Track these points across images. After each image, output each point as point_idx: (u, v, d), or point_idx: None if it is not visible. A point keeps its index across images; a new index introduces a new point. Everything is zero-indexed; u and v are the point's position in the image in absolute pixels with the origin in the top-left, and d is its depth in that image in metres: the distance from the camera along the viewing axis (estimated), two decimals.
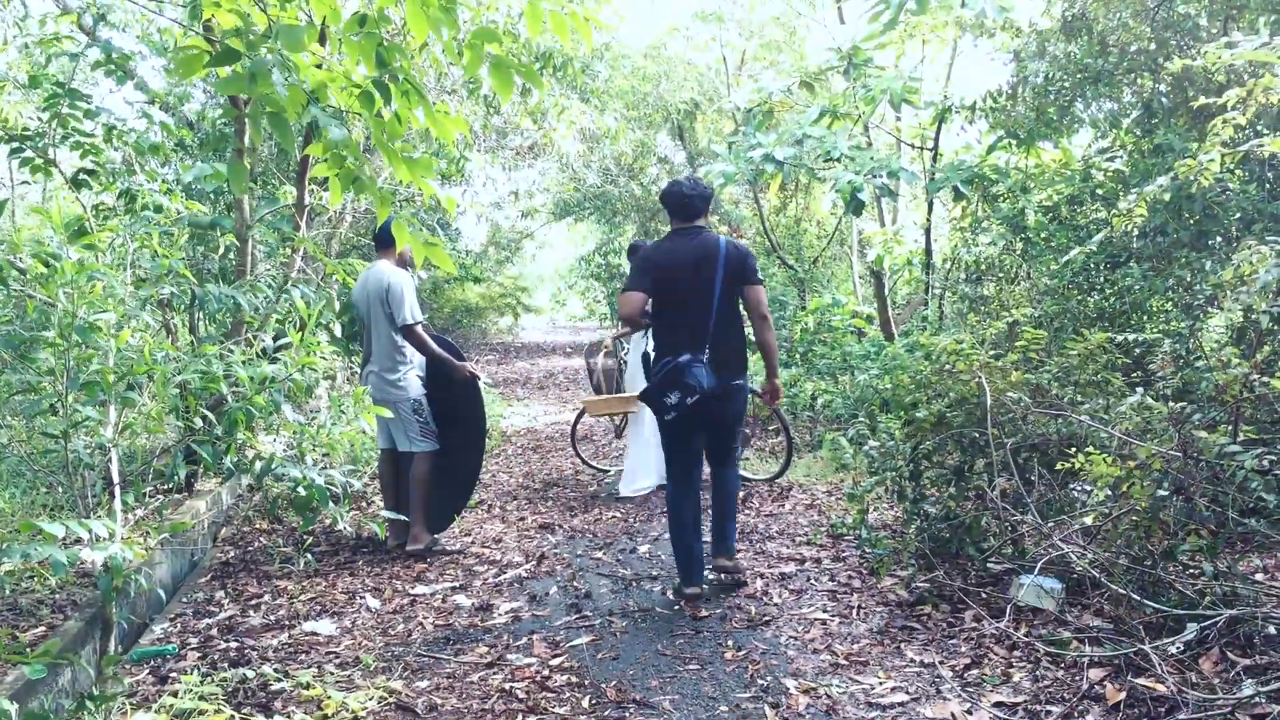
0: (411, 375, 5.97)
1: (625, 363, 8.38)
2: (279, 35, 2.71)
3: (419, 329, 5.82)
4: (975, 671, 3.91)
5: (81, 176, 5.19)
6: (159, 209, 5.25)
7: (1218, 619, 3.70)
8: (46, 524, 2.70)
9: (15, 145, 5.17)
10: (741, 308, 5.11)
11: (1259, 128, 6.38)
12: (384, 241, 6.01)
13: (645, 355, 7.83)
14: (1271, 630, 3.70)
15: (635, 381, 7.70)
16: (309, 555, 5.74)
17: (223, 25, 3.23)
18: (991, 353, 5.33)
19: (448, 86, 11.06)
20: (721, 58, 16.34)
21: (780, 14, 16.20)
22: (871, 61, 8.96)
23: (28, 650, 2.82)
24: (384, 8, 3.47)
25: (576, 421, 9.05)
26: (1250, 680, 3.41)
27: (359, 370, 6.29)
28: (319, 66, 3.09)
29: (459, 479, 6.24)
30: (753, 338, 5.26)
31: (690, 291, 4.88)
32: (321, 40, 5.12)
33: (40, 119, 5.28)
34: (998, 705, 3.59)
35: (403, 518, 5.76)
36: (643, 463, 7.69)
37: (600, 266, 26.53)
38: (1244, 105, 4.97)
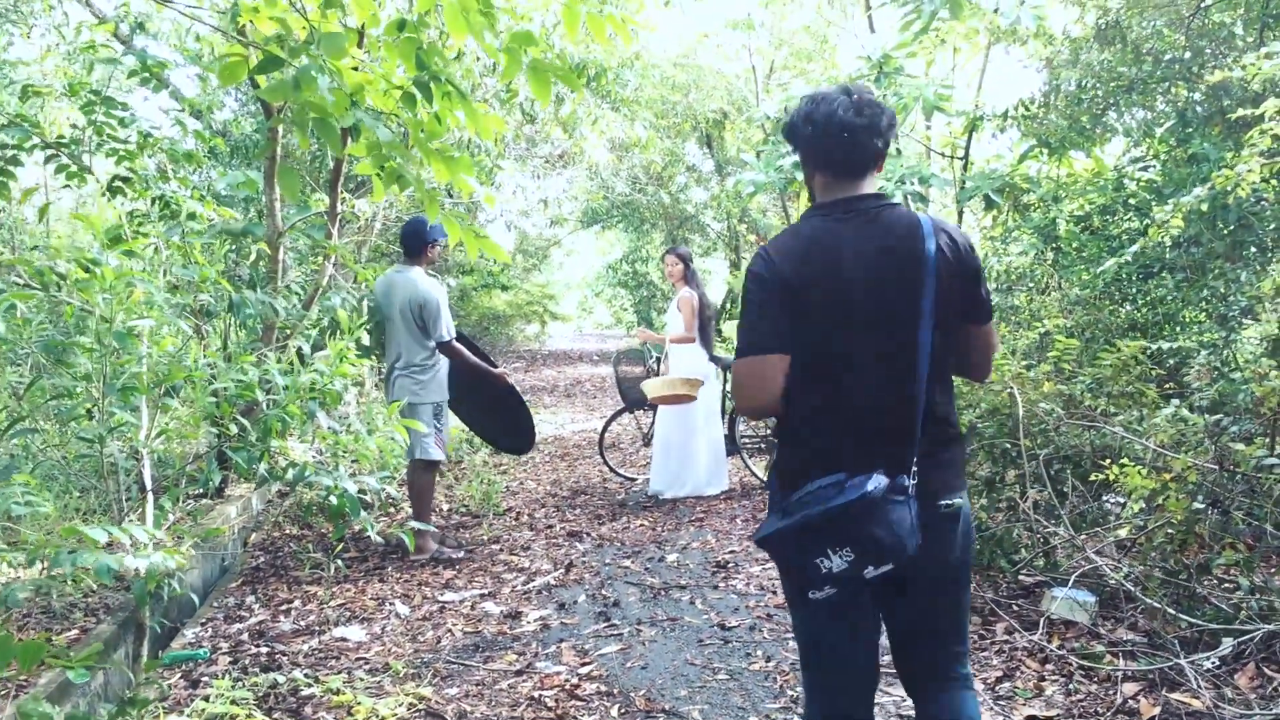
0: (439, 378, 6.01)
1: (654, 371, 8.37)
2: (321, 43, 2.73)
3: (455, 344, 5.91)
4: (1007, 684, 3.88)
5: (117, 184, 5.23)
6: (193, 216, 5.29)
7: (1255, 634, 3.66)
8: (88, 529, 2.72)
9: (52, 152, 5.22)
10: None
11: None
12: (413, 248, 6.03)
13: (720, 362, 7.88)
14: None
15: (678, 371, 7.71)
16: (339, 561, 5.77)
17: (261, 32, 3.26)
18: (1023, 363, 5.29)
19: (482, 95, 11.11)
20: (751, 67, 16.35)
21: (811, 22, 16.18)
22: (902, 70, 8.92)
23: (70, 653, 2.84)
24: (425, 10, 3.49)
25: (605, 429, 9.05)
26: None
27: (384, 373, 6.34)
28: (355, 69, 3.11)
29: (524, 418, 7.01)
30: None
31: (870, 330, 2.38)
32: (359, 43, 5.16)
33: (77, 126, 5.34)
34: (1030, 719, 3.56)
35: (431, 528, 5.78)
36: (672, 466, 7.70)
37: (627, 274, 26.59)
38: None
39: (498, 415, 6.99)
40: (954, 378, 2.59)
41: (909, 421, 2.36)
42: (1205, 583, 4.07)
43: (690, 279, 7.82)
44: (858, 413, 2.38)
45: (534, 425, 7.10)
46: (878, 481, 2.23)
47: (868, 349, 2.37)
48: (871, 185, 2.46)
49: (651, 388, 7.51)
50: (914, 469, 2.33)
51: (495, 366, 6.35)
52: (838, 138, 2.40)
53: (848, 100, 2.41)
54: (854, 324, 2.36)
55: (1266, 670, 3.62)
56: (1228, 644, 3.72)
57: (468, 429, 7.75)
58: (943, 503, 2.42)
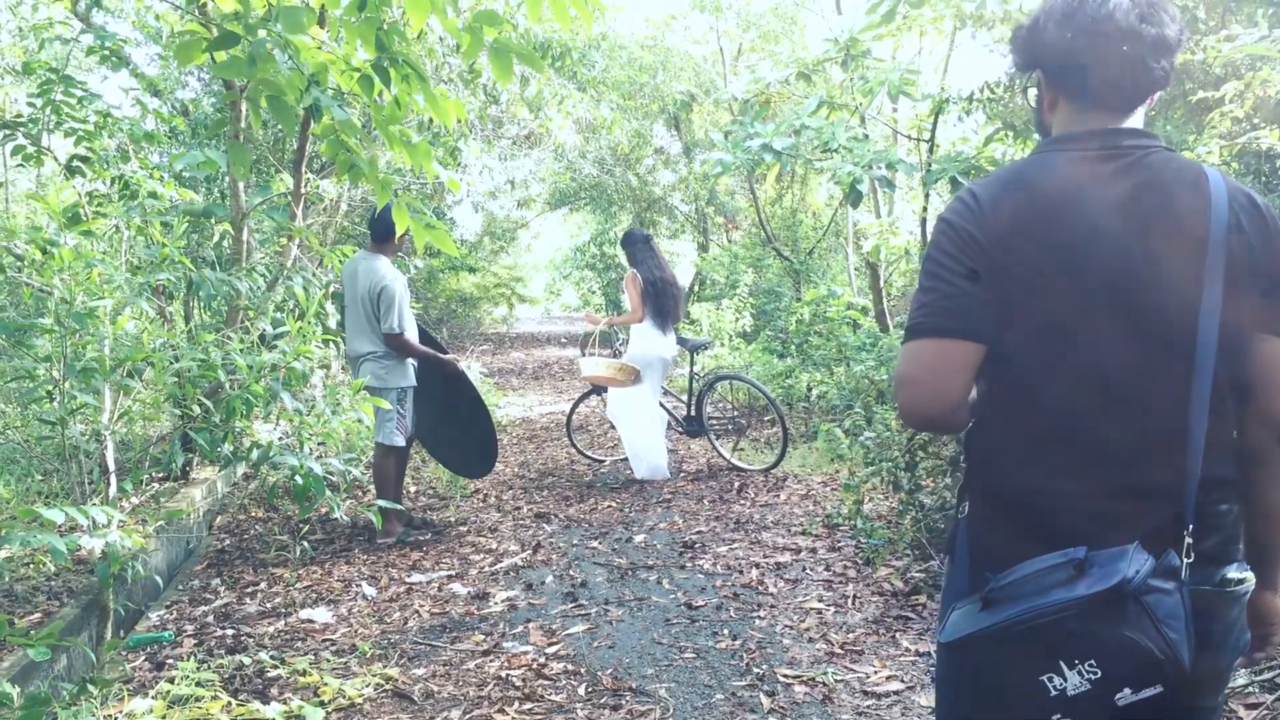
0: (404, 365, 5.98)
1: (620, 354, 8.38)
2: (279, 18, 2.70)
3: (404, 337, 5.85)
4: None
5: (75, 163, 5.17)
6: (154, 195, 5.23)
7: None
8: (45, 510, 2.70)
9: (8, 132, 5.15)
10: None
11: (1256, 121, 6.38)
12: (380, 233, 5.99)
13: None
14: None
15: (633, 351, 7.71)
16: (305, 543, 5.74)
17: (220, 8, 3.22)
18: None
19: (445, 76, 11.04)
20: (719, 49, 16.32)
21: (778, 4, 16.17)
22: (869, 53, 8.95)
23: (30, 633, 2.82)
24: None
25: (572, 411, 9.05)
26: (1245, 671, 3.42)
27: (347, 357, 6.29)
28: (319, 48, 3.08)
29: (485, 436, 6.57)
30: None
31: (1122, 326, 1.63)
32: (320, 24, 5.11)
33: (34, 105, 5.26)
34: None
35: (399, 506, 5.77)
36: (637, 448, 7.71)
37: (595, 257, 26.56)
38: (1242, 98, 4.97)
39: (456, 430, 6.67)
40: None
41: (1180, 467, 1.60)
42: None
43: (636, 260, 7.78)
44: (1101, 451, 1.63)
45: (495, 443, 6.72)
46: (1138, 562, 1.50)
47: (1118, 354, 1.62)
48: (1137, 122, 1.73)
49: (585, 366, 7.64)
50: (1188, 540, 1.57)
51: (445, 353, 6.31)
52: (1112, 51, 1.65)
53: (1128, 1, 1.66)
54: (1096, 315, 1.61)
55: None
56: None
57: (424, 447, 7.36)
58: (1229, 575, 1.66)
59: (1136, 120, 1.73)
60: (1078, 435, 1.64)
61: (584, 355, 8.85)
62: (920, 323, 1.69)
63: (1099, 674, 1.50)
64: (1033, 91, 1.85)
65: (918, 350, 1.69)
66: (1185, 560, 1.56)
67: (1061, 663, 1.51)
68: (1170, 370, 1.62)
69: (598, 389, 8.72)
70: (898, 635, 4.25)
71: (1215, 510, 1.66)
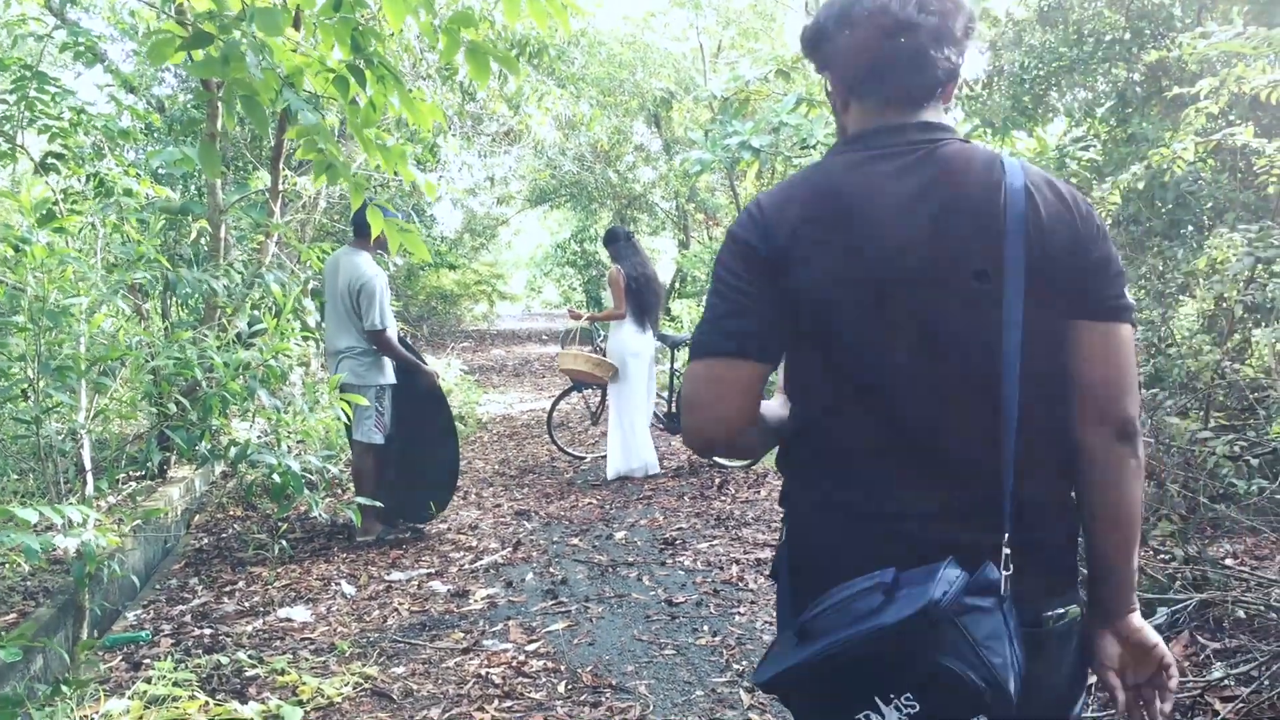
0: (382, 362, 5.94)
1: (600, 350, 8.37)
2: (255, 18, 2.68)
3: (386, 334, 5.80)
4: None
5: (50, 161, 5.13)
6: (129, 193, 5.20)
7: (1188, 603, 3.74)
8: (20, 509, 2.68)
9: None
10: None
11: (1231, 117, 6.43)
12: (361, 229, 5.96)
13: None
14: (1241, 614, 3.74)
15: (613, 348, 7.70)
16: (284, 542, 5.72)
17: (195, 7, 3.21)
18: None
19: (423, 72, 11.00)
20: (698, 46, 16.33)
21: (757, 2, 16.19)
22: None
23: (3, 634, 2.80)
24: None
25: (553, 408, 9.05)
26: (1220, 663, 3.45)
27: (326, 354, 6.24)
28: (294, 50, 3.07)
29: (438, 471, 6.22)
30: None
31: (919, 331, 1.52)
32: (296, 25, 5.09)
33: (7, 102, 5.22)
34: None
35: (377, 504, 5.75)
36: (625, 444, 7.70)
37: (576, 254, 26.53)
38: (1217, 95, 5.00)
39: (418, 457, 6.21)
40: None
41: (992, 478, 1.49)
42: (1141, 554, 4.16)
43: (618, 257, 7.79)
44: (909, 469, 1.53)
45: (458, 468, 6.38)
46: (948, 579, 1.37)
47: (914, 362, 1.51)
48: (933, 116, 1.63)
49: (564, 359, 7.64)
50: (1005, 551, 1.46)
51: (425, 364, 6.24)
52: (890, 43, 1.57)
53: None
54: (891, 321, 1.51)
55: (1200, 638, 3.70)
56: (1163, 613, 3.81)
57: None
58: (1049, 613, 1.53)
59: (930, 114, 1.63)
60: (883, 453, 1.54)
61: (564, 349, 8.84)
62: (699, 341, 1.60)
63: (917, 708, 1.35)
64: (830, 95, 1.74)
65: (696, 371, 1.60)
66: (1004, 573, 1.42)
67: (878, 699, 1.37)
68: (972, 377, 1.51)
69: (578, 386, 8.73)
70: None
71: (1035, 534, 1.52)
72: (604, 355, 7.99)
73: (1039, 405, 1.51)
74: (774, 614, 4.51)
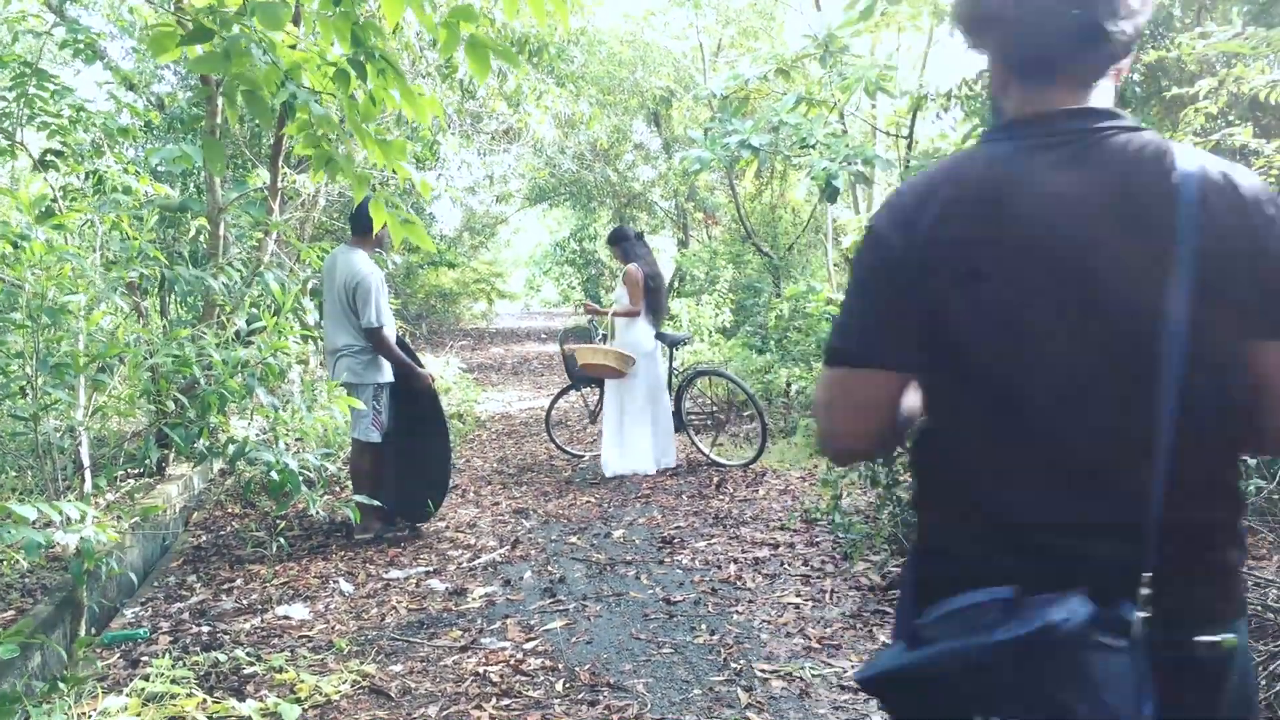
0: (380, 360, 5.93)
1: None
2: (256, 12, 2.68)
3: (383, 332, 5.79)
4: None
5: (49, 158, 5.13)
6: (128, 191, 5.20)
7: None
8: (18, 506, 2.68)
9: None
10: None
11: (1230, 117, 6.43)
12: (360, 227, 5.95)
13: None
14: None
15: (621, 346, 7.70)
16: (282, 540, 5.71)
17: (195, 3, 3.20)
18: None
19: (422, 70, 11.00)
20: (698, 44, 16.32)
21: (757, 1, 16.19)
22: (848, 49, 8.97)
23: (1, 631, 2.80)
24: None
25: (551, 406, 9.04)
26: None
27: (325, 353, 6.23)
28: (293, 47, 3.06)
29: (434, 470, 6.22)
30: None
31: (1072, 339, 1.37)
32: (295, 21, 5.08)
33: (6, 99, 5.21)
34: None
35: (375, 502, 5.76)
36: (622, 443, 7.70)
37: (575, 252, 26.53)
38: (1216, 95, 5.00)
39: (410, 459, 6.18)
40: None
41: (1140, 498, 1.35)
42: None
43: (630, 255, 7.81)
44: (1051, 483, 1.41)
45: (449, 474, 6.34)
46: (1073, 609, 1.25)
47: (1062, 374, 1.38)
48: (1103, 99, 1.47)
49: (583, 354, 7.58)
50: (1145, 588, 1.32)
51: (422, 366, 6.22)
52: (1061, 15, 1.40)
53: None
54: (1042, 327, 1.38)
55: None
56: None
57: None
58: (1201, 638, 1.36)
59: (1103, 97, 1.47)
60: (1025, 463, 1.42)
61: (563, 347, 8.83)
62: (836, 347, 1.50)
63: None
64: (986, 75, 1.61)
65: (832, 380, 1.50)
66: (1141, 614, 1.28)
67: (978, 717, 1.30)
68: (1127, 390, 1.37)
69: (576, 385, 8.72)
70: (875, 630, 4.27)
71: (1190, 558, 1.38)
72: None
73: (1200, 427, 1.36)
74: (771, 612, 4.54)
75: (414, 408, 6.13)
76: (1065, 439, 1.39)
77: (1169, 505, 1.33)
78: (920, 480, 1.59)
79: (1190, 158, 1.38)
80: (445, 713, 3.60)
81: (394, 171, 3.28)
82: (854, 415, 1.50)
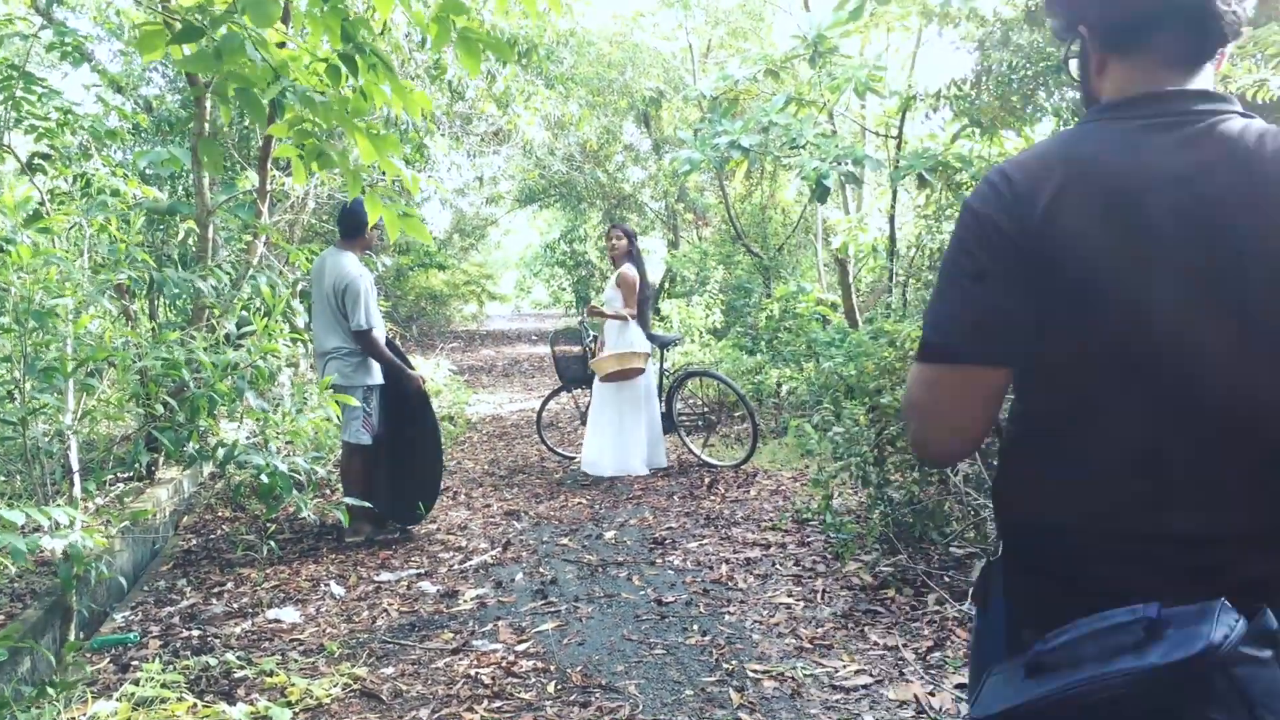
0: (369, 363, 5.92)
1: (591, 351, 8.36)
2: (246, 10, 2.67)
3: (373, 334, 5.78)
4: (938, 654, 3.95)
5: (36, 161, 5.11)
6: (116, 193, 5.17)
7: None
8: (6, 511, 2.66)
9: None
10: None
11: None
12: (348, 229, 5.93)
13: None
14: None
15: (615, 350, 7.69)
16: (272, 543, 5.70)
17: (183, 1, 3.19)
18: None
19: (411, 72, 10.98)
20: (687, 45, 16.32)
21: (746, 1, 16.20)
22: (837, 50, 8.98)
23: None
24: None
25: (542, 408, 9.04)
26: None
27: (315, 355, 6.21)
28: (282, 45, 3.05)
29: (425, 472, 6.21)
30: None
31: (1196, 329, 1.31)
32: (285, 19, 5.07)
33: None
34: (960, 686, 3.63)
35: (366, 504, 5.74)
36: (615, 445, 7.70)
37: (565, 254, 26.53)
38: None
39: (400, 460, 6.21)
40: None
41: (1268, 504, 1.30)
42: None
43: (633, 256, 7.83)
44: (1178, 486, 1.33)
45: (440, 476, 6.34)
46: (1226, 623, 1.15)
47: (1196, 368, 1.31)
48: (1208, 81, 1.40)
49: (603, 367, 7.54)
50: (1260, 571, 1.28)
51: (412, 369, 6.22)
52: None
53: None
54: (1167, 320, 1.30)
55: None
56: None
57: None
58: None
59: (1205, 80, 1.40)
60: (1148, 465, 1.33)
61: (554, 349, 8.82)
62: (934, 342, 1.40)
63: None
64: (1073, 63, 1.52)
65: (930, 377, 1.41)
66: (1260, 618, 1.18)
67: None
68: (1251, 390, 1.29)
69: (567, 386, 8.71)
70: (866, 629, 4.27)
71: None
72: (595, 356, 7.99)
73: None
74: (763, 613, 4.53)
75: (404, 409, 6.12)
76: (1188, 446, 1.31)
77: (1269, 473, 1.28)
78: (1012, 484, 1.49)
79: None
80: (437, 715, 3.59)
81: (384, 171, 3.27)
82: (958, 415, 1.40)
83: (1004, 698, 1.26)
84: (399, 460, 6.11)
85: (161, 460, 6.34)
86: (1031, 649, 1.26)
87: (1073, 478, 1.38)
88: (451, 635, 4.42)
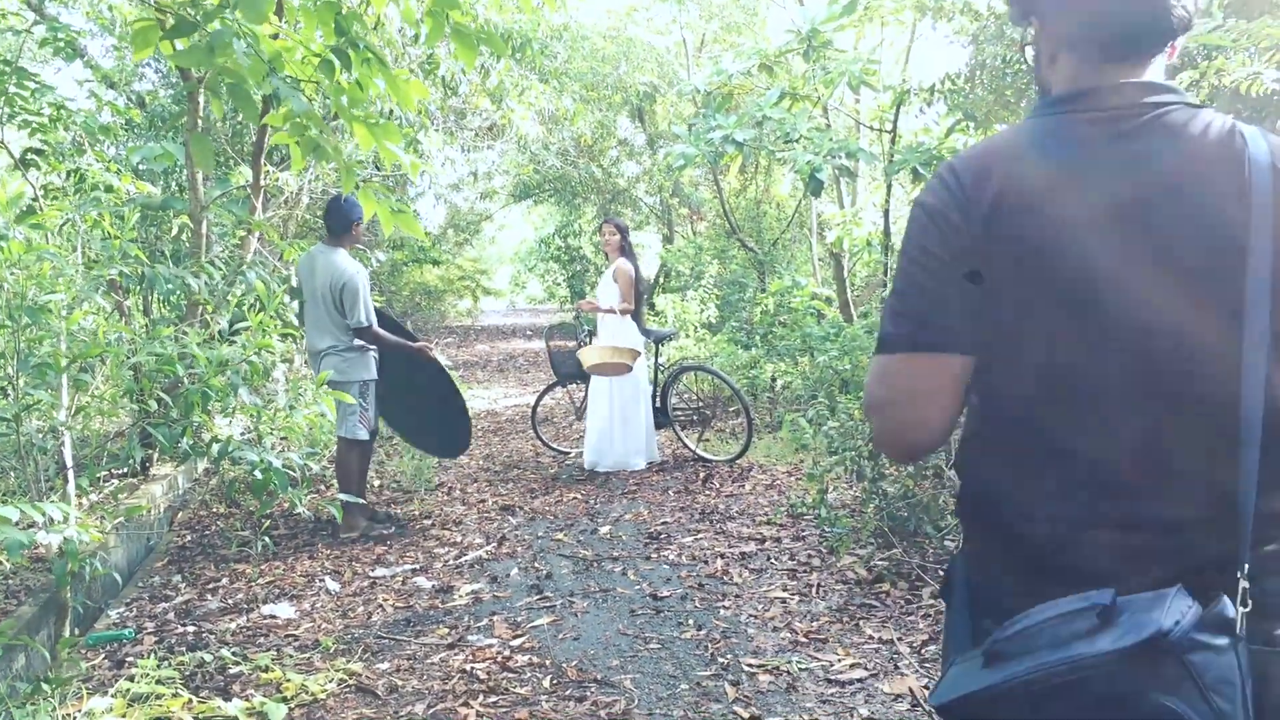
0: (365, 358, 5.92)
1: (585, 344, 8.36)
2: (239, 6, 2.66)
3: (373, 329, 5.81)
4: (933, 647, 3.96)
5: (30, 157, 5.09)
6: (109, 189, 5.16)
7: None
8: (0, 507, 2.66)
9: None
10: None
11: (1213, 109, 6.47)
12: (336, 227, 5.92)
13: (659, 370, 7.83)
14: None
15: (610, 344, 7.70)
16: (267, 539, 5.69)
17: None
18: None
19: (405, 66, 10.96)
20: (681, 40, 16.30)
21: None
22: (831, 44, 8.98)
23: None
24: None
25: (537, 403, 9.03)
26: None
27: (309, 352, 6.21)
28: (275, 37, 3.05)
29: (458, 419, 6.66)
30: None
31: (1142, 328, 1.32)
32: (278, 12, 5.05)
33: None
34: None
35: (361, 501, 5.74)
36: (612, 440, 7.70)
37: (560, 249, 26.51)
38: (1197, 88, 5.02)
39: (429, 413, 6.75)
40: None
41: (1230, 493, 1.29)
42: None
43: (627, 250, 7.82)
44: (1127, 473, 1.34)
45: (469, 421, 6.88)
46: (1179, 609, 1.17)
47: (1134, 361, 1.32)
48: (1158, 73, 1.41)
49: (587, 356, 7.52)
50: (1243, 585, 1.26)
51: (415, 341, 6.29)
52: None
53: None
54: (1106, 316, 1.32)
55: None
56: None
57: (397, 433, 7.53)
58: None
59: (1154, 73, 1.40)
60: (1105, 453, 1.33)
61: (549, 344, 8.81)
62: (891, 334, 1.40)
63: None
64: (1029, 50, 1.53)
65: (888, 368, 1.41)
66: (1241, 609, 1.22)
67: None
68: (1201, 383, 1.30)
69: (563, 381, 8.70)
70: (861, 623, 4.28)
71: (1273, 550, 1.32)
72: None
73: None
74: (758, 607, 4.54)
75: (422, 376, 6.39)
76: (1139, 440, 1.32)
77: (1262, 495, 1.28)
78: (971, 479, 1.50)
79: (1255, 136, 1.34)
80: (432, 710, 3.60)
81: (382, 161, 3.27)
82: (919, 405, 1.39)
83: (960, 686, 1.27)
84: (433, 409, 6.61)
85: (156, 456, 6.34)
86: (989, 638, 1.28)
87: (1030, 468, 1.39)
88: (447, 630, 4.42)
